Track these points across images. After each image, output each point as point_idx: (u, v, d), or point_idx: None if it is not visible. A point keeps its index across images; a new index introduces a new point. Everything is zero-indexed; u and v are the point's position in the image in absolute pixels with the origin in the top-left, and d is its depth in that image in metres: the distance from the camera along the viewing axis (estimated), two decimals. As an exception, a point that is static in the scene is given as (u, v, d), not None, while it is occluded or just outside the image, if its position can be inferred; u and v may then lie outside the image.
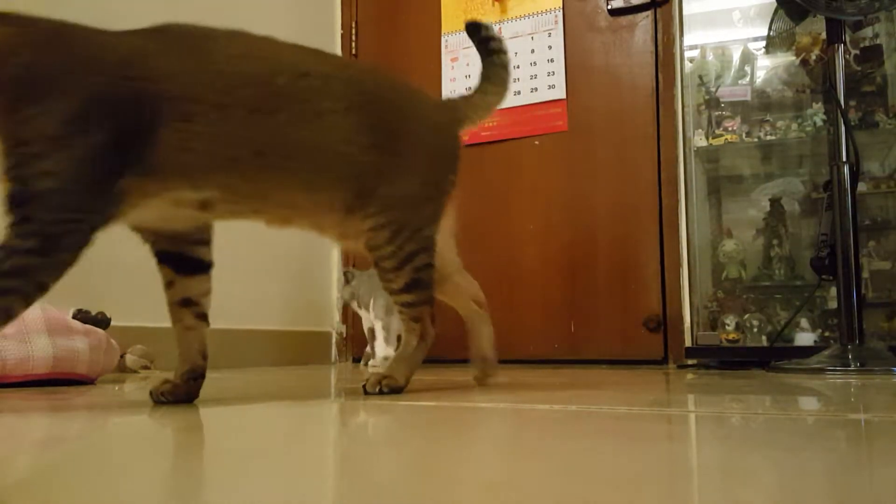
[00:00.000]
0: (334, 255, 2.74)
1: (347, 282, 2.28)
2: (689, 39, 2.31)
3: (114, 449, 0.56)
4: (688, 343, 2.15)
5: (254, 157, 0.93)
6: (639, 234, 2.32)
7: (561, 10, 2.49)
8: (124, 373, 1.60)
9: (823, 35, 2.00)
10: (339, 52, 2.83)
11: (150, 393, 0.95)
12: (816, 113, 2.23)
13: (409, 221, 1.07)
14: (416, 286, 1.08)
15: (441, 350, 2.52)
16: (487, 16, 2.58)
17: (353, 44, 2.82)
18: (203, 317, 0.99)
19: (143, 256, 1.71)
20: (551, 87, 2.47)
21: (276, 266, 2.40)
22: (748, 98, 2.37)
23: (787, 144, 2.33)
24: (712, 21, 2.45)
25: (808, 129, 2.24)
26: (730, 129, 2.33)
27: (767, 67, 2.42)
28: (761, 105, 2.37)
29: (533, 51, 2.51)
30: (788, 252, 2.33)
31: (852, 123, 2.06)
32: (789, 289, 2.31)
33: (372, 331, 2.20)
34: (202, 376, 0.96)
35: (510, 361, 2.42)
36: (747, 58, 2.40)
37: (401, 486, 0.40)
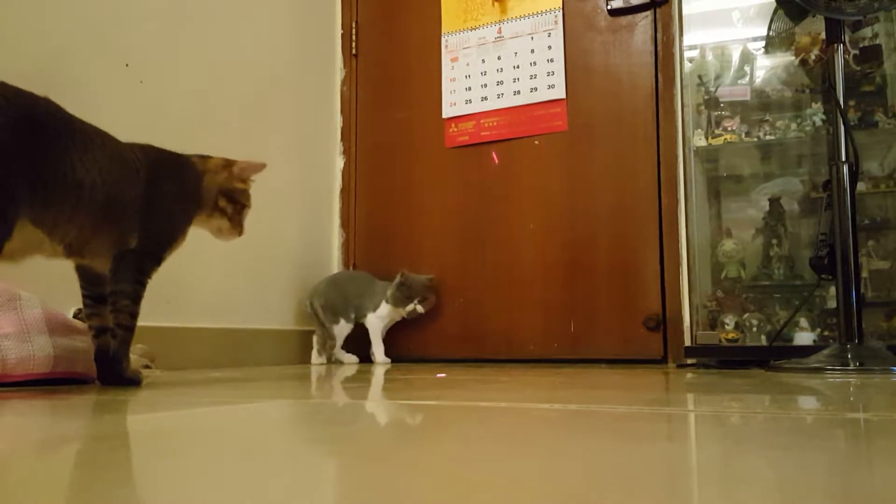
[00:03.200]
0: (334, 254, 2.74)
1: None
2: (688, 39, 2.31)
3: (113, 449, 0.56)
4: (687, 342, 2.15)
5: None
6: (638, 234, 2.32)
7: (561, 10, 2.49)
8: (124, 372, 1.60)
9: (823, 35, 2.01)
10: (338, 52, 2.83)
11: None
12: (816, 113, 2.24)
13: None
14: None
15: (442, 350, 2.53)
16: (487, 16, 2.59)
17: (353, 44, 2.82)
18: None
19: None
20: (551, 86, 2.47)
21: (276, 266, 2.40)
22: (747, 98, 2.38)
23: (786, 144, 2.33)
24: (712, 21, 2.45)
25: (808, 128, 2.24)
26: (729, 128, 2.33)
27: (767, 67, 2.42)
28: (761, 105, 2.38)
29: (533, 51, 2.51)
30: (788, 251, 2.33)
31: (851, 123, 2.06)
32: (789, 288, 2.31)
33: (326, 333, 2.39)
34: None
35: (510, 361, 2.43)
36: (747, 58, 2.41)
37: (401, 486, 0.40)
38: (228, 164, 1.37)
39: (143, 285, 1.24)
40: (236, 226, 1.38)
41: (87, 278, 1.24)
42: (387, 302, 2.35)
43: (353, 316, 2.39)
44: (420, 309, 2.34)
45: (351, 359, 2.38)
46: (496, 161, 2.47)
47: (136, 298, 1.23)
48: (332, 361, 2.41)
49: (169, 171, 1.29)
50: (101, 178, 1.12)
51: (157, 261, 1.26)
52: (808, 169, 2.37)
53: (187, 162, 1.33)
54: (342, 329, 2.38)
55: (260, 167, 1.40)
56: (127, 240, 1.21)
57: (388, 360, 2.39)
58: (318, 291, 2.43)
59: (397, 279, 2.34)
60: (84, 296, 1.24)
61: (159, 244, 1.26)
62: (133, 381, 1.22)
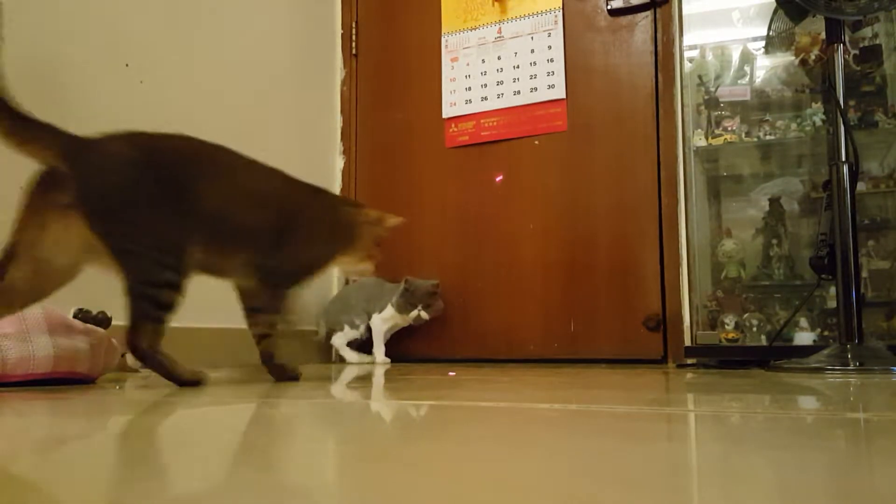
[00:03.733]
0: (334, 254, 2.74)
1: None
2: (688, 39, 2.31)
3: (114, 449, 0.56)
4: (687, 342, 2.15)
5: None
6: (638, 234, 2.32)
7: (561, 11, 2.49)
8: (125, 372, 1.61)
9: (823, 35, 2.01)
10: (338, 52, 2.83)
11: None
12: (816, 113, 2.24)
13: None
14: None
15: (442, 350, 2.53)
16: (487, 16, 2.59)
17: (353, 44, 2.82)
18: None
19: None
20: (551, 86, 2.47)
21: (276, 266, 2.41)
22: (747, 98, 2.38)
23: (786, 144, 2.33)
24: (712, 21, 2.45)
25: (808, 128, 2.24)
26: (729, 128, 2.33)
27: (767, 67, 2.42)
28: (761, 105, 2.38)
29: (533, 51, 2.51)
30: (788, 251, 2.33)
31: (851, 123, 2.06)
32: (788, 288, 2.31)
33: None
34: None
35: (510, 360, 2.43)
36: (747, 57, 2.41)
37: (400, 485, 0.40)
38: (380, 217, 1.49)
39: (280, 308, 1.38)
40: (375, 263, 1.51)
41: (240, 293, 1.40)
42: (392, 307, 2.36)
43: (357, 322, 2.41)
44: (424, 315, 2.34)
45: (352, 357, 2.40)
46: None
47: (277, 314, 1.38)
48: (334, 361, 2.43)
49: (311, 207, 1.38)
50: (227, 206, 1.23)
51: (295, 285, 1.39)
52: (808, 169, 2.37)
53: (338, 204, 1.48)
54: (345, 335, 2.41)
55: (402, 222, 1.57)
56: (259, 262, 1.31)
57: (388, 360, 2.39)
58: (322, 312, 2.51)
59: (401, 286, 2.35)
60: (243, 308, 1.40)
61: (294, 272, 1.37)
62: (292, 377, 1.39)
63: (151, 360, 1.15)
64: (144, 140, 1.17)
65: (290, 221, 1.32)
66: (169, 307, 1.15)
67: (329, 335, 2.46)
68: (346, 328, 2.41)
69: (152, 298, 1.14)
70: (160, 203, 1.13)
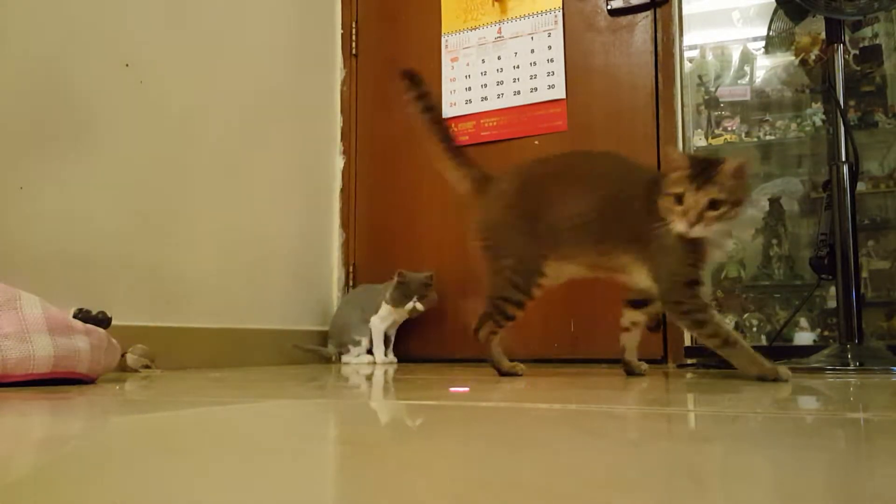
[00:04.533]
0: (334, 254, 2.74)
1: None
2: (688, 39, 2.31)
3: (114, 449, 0.56)
4: (687, 342, 2.16)
5: None
6: (638, 234, 2.32)
7: (561, 11, 2.49)
8: (125, 372, 1.61)
9: (823, 35, 2.01)
10: (339, 52, 2.83)
11: None
12: (816, 113, 2.24)
13: None
14: None
15: (442, 349, 2.53)
16: (487, 16, 2.59)
17: (353, 44, 2.82)
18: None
19: (143, 256, 1.72)
20: (551, 87, 2.47)
21: (276, 266, 2.40)
22: (747, 98, 2.38)
23: (786, 144, 2.33)
24: (712, 21, 2.46)
25: (808, 128, 2.25)
26: (729, 128, 2.34)
27: (767, 67, 2.42)
28: (761, 105, 2.38)
29: (533, 51, 2.51)
30: (788, 251, 2.33)
31: (851, 123, 2.06)
32: (788, 288, 2.31)
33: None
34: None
35: (510, 360, 2.42)
36: (747, 58, 2.41)
37: (400, 485, 0.40)
38: (683, 162, 1.31)
39: (686, 313, 1.30)
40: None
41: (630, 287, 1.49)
42: (386, 303, 2.35)
43: (358, 338, 2.40)
44: (420, 307, 2.33)
45: (351, 359, 2.40)
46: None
47: (698, 323, 1.30)
48: (335, 361, 2.43)
49: (654, 195, 1.30)
50: (590, 212, 1.38)
51: (695, 282, 1.28)
52: (808, 169, 2.37)
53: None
54: (353, 354, 2.40)
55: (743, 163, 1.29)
56: (635, 259, 1.37)
57: (387, 359, 2.39)
58: (329, 334, 2.50)
59: (395, 279, 2.34)
60: (628, 299, 1.54)
61: (680, 270, 1.27)
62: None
63: (486, 347, 1.58)
64: (524, 171, 1.50)
65: (646, 220, 1.30)
66: (510, 318, 1.55)
67: (339, 355, 2.46)
68: (351, 348, 2.41)
69: (500, 309, 1.53)
70: (523, 231, 1.42)
